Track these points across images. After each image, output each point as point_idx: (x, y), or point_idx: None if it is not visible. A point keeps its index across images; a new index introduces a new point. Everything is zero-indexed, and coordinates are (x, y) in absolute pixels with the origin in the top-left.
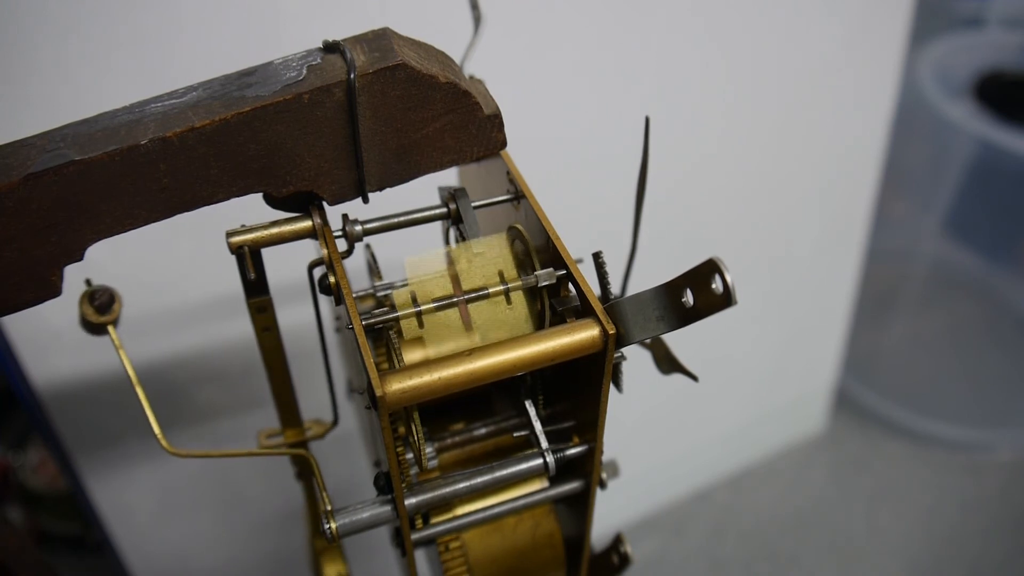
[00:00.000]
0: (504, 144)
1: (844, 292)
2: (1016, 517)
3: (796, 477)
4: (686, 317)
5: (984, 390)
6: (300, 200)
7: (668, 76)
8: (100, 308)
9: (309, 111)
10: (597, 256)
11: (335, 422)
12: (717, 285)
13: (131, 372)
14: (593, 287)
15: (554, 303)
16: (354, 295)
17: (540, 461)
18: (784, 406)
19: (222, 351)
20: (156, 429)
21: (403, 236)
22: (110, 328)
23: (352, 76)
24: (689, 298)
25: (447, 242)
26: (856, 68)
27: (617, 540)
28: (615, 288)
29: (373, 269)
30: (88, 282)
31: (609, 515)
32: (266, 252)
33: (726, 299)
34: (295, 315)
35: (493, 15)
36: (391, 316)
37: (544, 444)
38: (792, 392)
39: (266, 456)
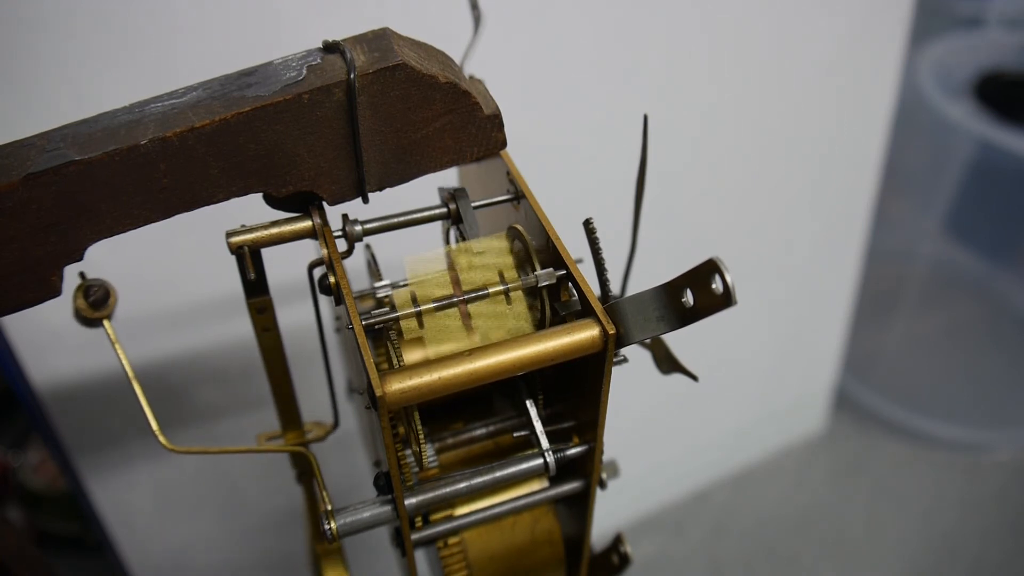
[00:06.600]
0: (504, 144)
1: (844, 292)
2: (1016, 517)
3: (796, 477)
4: (686, 317)
5: (984, 390)
6: (300, 200)
7: (668, 75)
8: (95, 304)
9: (309, 111)
10: (588, 223)
11: (336, 424)
12: (717, 285)
13: (127, 366)
14: (592, 284)
15: (556, 307)
16: (354, 295)
17: (540, 461)
18: (784, 406)
19: (221, 351)
20: (154, 425)
21: (403, 236)
22: (105, 322)
23: (352, 76)
24: (689, 298)
25: (447, 242)
26: (856, 68)
27: (617, 540)
28: (615, 288)
29: (373, 269)
30: (82, 275)
31: (609, 515)
32: (266, 252)
33: (726, 299)
34: (295, 315)
35: (493, 15)
36: (391, 316)
37: (544, 444)
38: (792, 392)
39: (266, 455)
